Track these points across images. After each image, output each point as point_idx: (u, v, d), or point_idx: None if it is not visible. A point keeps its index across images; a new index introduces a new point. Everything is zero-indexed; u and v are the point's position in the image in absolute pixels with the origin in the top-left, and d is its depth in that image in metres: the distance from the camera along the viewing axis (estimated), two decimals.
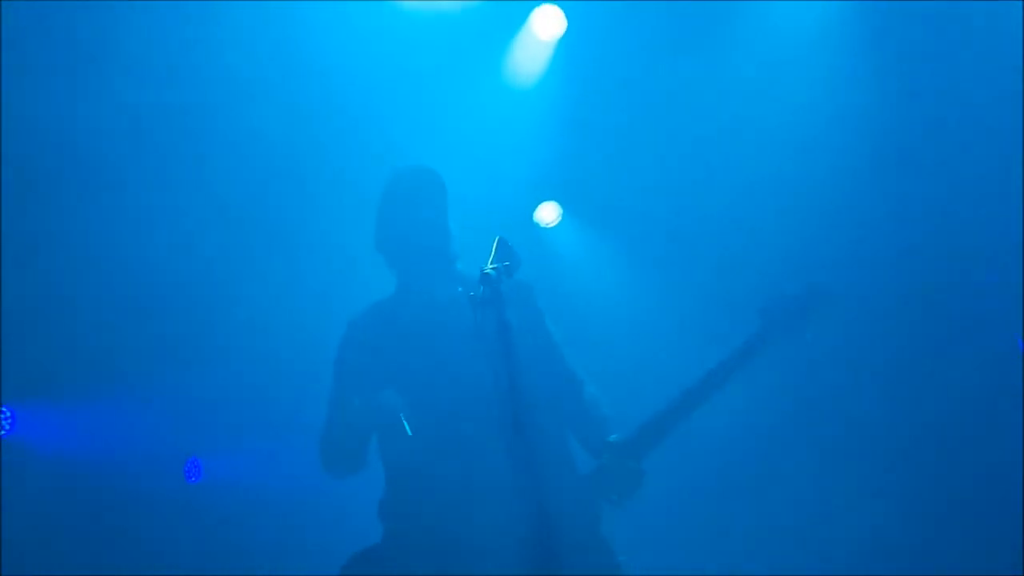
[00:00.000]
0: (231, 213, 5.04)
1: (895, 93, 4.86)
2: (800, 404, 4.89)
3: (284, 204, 5.13)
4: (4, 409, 4.72)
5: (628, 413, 3.38)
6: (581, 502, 3.14)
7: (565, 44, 5.10)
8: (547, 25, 5.04)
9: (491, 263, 2.64)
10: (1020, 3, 4.53)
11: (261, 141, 4.95)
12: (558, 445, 3.19)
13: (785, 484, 4.93)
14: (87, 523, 4.85)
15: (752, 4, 4.95)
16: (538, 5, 5.02)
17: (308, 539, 5.15)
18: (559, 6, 5.02)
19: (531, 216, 5.57)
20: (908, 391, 4.90)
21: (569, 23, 5.03)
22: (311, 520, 5.19)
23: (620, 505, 3.21)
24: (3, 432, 4.70)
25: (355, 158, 5.00)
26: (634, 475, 3.20)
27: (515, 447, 2.41)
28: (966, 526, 4.64)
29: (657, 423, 3.28)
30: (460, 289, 3.17)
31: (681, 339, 5.00)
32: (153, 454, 5.18)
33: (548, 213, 5.58)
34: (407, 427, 3.01)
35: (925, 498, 4.77)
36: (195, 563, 5.04)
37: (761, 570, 4.67)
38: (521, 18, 5.05)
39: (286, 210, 5.14)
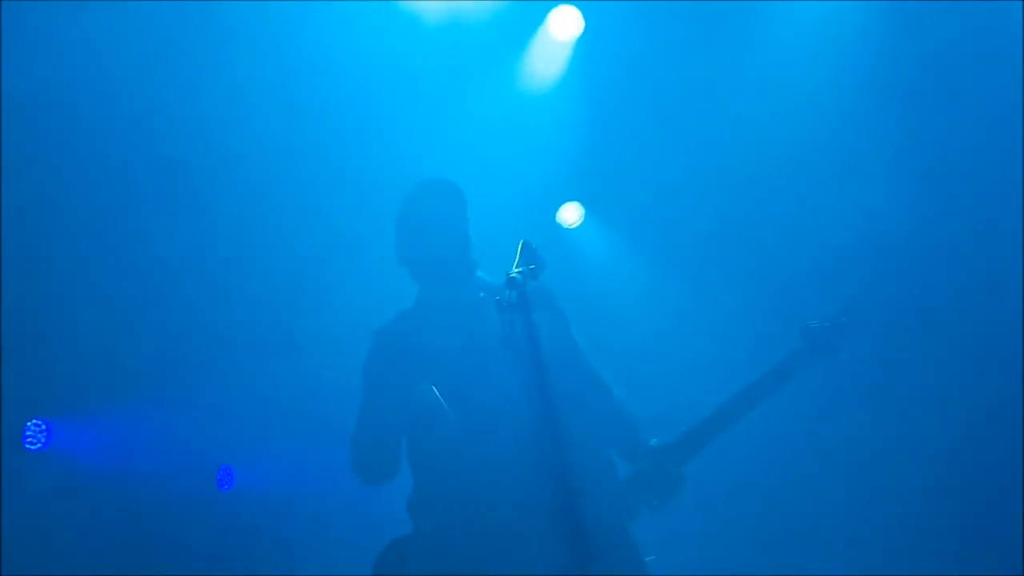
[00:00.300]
0: (254, 228, 5.09)
1: (924, 92, 4.84)
2: (827, 412, 4.87)
3: (310, 213, 5.15)
4: (39, 422, 4.78)
5: (651, 415, 3.40)
6: (612, 501, 3.15)
7: (583, 44, 5.09)
8: (565, 26, 5.04)
9: (516, 266, 2.65)
10: (1020, 2, 4.52)
11: (282, 149, 4.98)
12: (588, 446, 3.19)
13: (804, 488, 4.93)
14: (114, 531, 4.89)
15: (774, 3, 4.93)
16: (555, 6, 5.02)
17: (335, 543, 5.18)
18: (576, 6, 5.02)
19: (553, 217, 5.56)
20: (913, 395, 4.90)
21: (587, 23, 5.03)
22: (338, 526, 5.22)
23: (660, 509, 3.25)
24: (39, 445, 4.76)
25: (374, 166, 5.02)
26: (675, 479, 3.26)
27: (544, 448, 2.41)
28: (966, 526, 4.65)
29: (699, 431, 3.34)
30: (482, 295, 3.18)
31: (703, 339, 5.00)
32: (183, 463, 5.22)
33: (571, 214, 5.56)
34: (447, 411, 3.04)
35: (927, 498, 4.77)
36: (224, 567, 5.09)
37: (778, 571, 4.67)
38: (538, 19, 5.05)
39: (312, 219, 5.17)
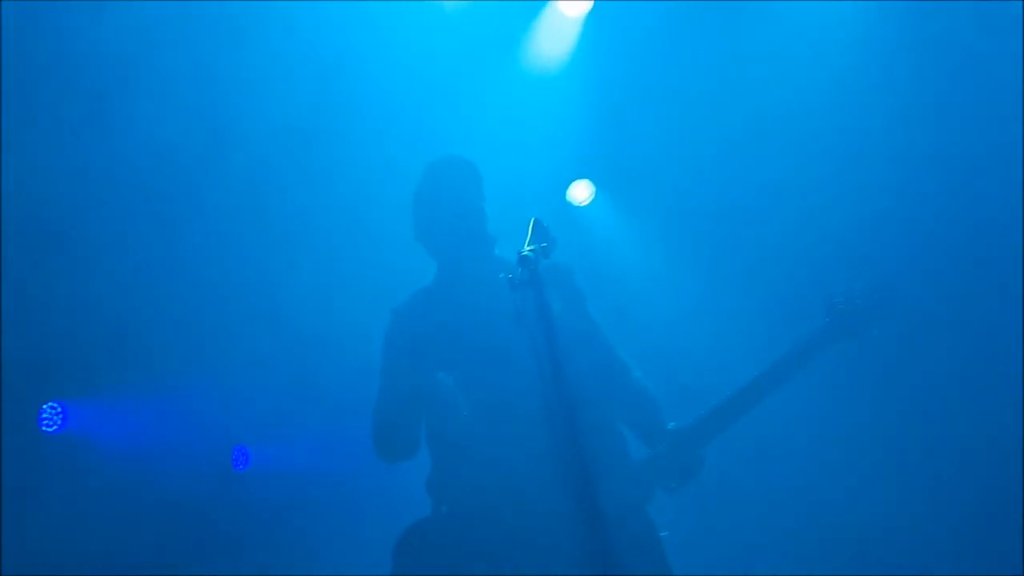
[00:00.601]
0: (269, 208, 5.11)
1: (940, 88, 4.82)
2: (828, 411, 4.86)
3: (325, 194, 5.16)
4: (55, 404, 4.82)
5: (669, 395, 3.38)
6: (628, 481, 3.15)
7: (593, 20, 5.06)
8: (573, 1, 5.00)
9: (528, 245, 2.65)
10: (1020, 2, 4.50)
11: (293, 136, 5.00)
12: (605, 425, 3.20)
13: (806, 486, 4.93)
14: (132, 514, 4.94)
15: None
16: None
17: (354, 522, 5.21)
18: None
19: (563, 195, 5.55)
20: (913, 394, 4.89)
21: None
22: (357, 505, 5.25)
23: (677, 491, 3.24)
24: (55, 427, 4.80)
25: (386, 146, 5.02)
26: (694, 461, 3.25)
27: (560, 427, 2.42)
28: (966, 526, 4.65)
29: (718, 414, 3.27)
30: (501, 275, 3.18)
31: (719, 318, 4.99)
32: (198, 444, 5.25)
33: (581, 192, 5.55)
34: (458, 407, 3.06)
35: (928, 498, 4.76)
36: (239, 554, 5.12)
37: (786, 569, 4.68)
38: None
39: (327, 200, 5.18)
